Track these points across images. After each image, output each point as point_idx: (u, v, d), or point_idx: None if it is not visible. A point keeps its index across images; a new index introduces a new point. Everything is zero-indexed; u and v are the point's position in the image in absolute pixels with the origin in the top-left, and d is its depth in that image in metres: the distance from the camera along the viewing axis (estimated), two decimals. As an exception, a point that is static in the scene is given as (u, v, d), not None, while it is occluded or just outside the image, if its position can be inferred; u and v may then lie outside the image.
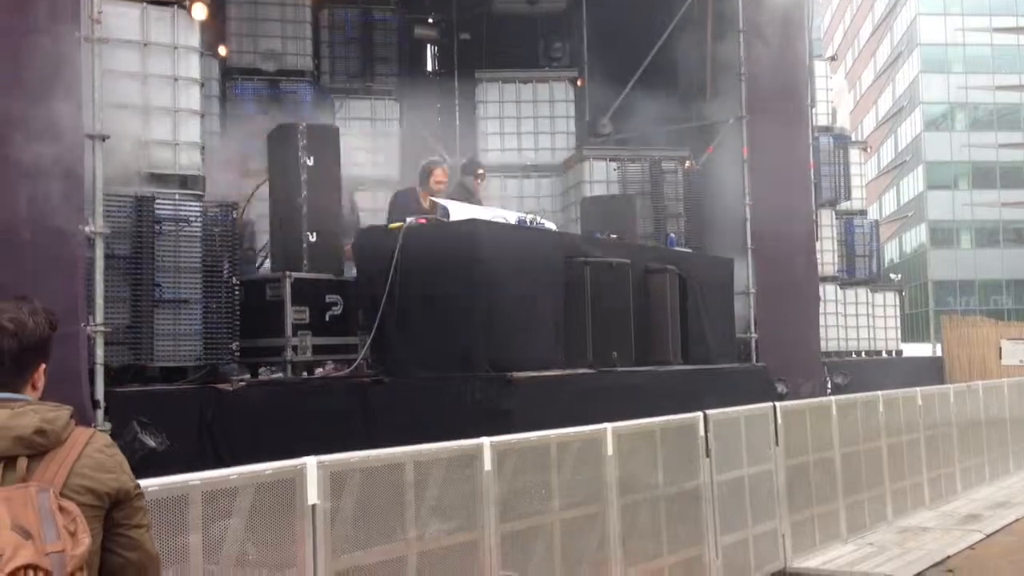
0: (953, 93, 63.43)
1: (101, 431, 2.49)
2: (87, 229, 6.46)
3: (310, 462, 4.80)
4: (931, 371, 19.59)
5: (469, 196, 10.08)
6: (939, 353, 22.34)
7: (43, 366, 2.51)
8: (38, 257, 6.19)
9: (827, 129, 18.44)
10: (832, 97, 19.39)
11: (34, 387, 2.48)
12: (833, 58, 26.48)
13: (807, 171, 14.08)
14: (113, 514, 2.44)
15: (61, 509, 2.25)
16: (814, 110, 16.50)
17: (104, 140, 6.62)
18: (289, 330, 8.14)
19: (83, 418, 6.07)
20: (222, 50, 13.98)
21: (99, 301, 6.49)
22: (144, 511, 2.51)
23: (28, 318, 2.45)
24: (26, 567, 2.15)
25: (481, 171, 10.68)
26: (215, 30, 12.87)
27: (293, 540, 4.73)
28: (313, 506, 4.77)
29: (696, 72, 14.95)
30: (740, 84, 13.29)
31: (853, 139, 22.22)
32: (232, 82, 14.17)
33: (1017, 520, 10.33)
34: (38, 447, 2.30)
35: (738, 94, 13.33)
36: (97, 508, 2.36)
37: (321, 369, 8.73)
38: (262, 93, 14.29)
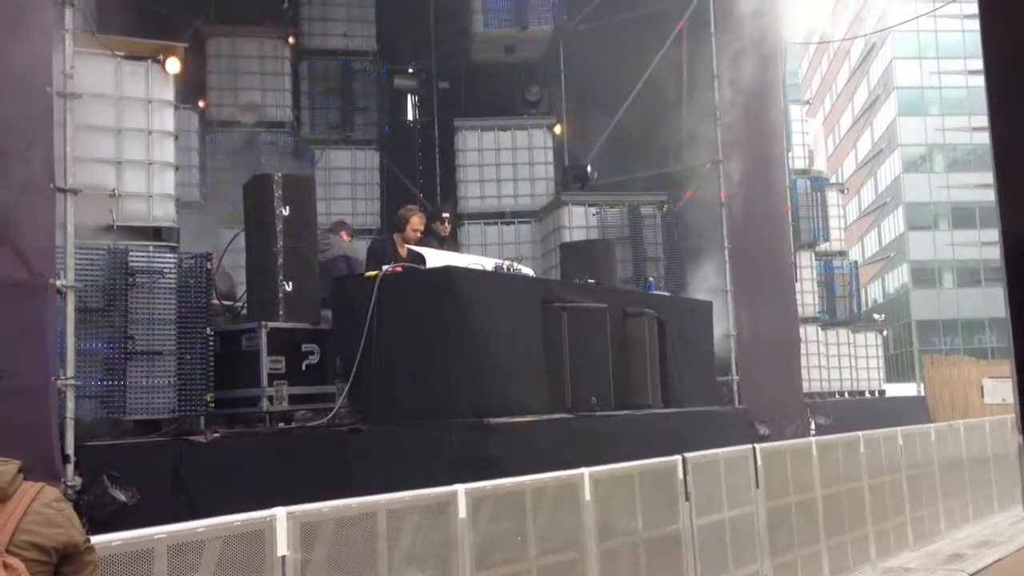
0: (931, 135, 64.23)
1: (49, 486, 2.46)
2: (58, 283, 6.44)
3: (279, 513, 4.76)
4: (915, 410, 19.59)
5: (440, 243, 10.11)
6: (923, 393, 22.37)
7: None
8: (7, 311, 6.15)
9: (804, 172, 18.61)
10: (808, 140, 19.59)
11: None
12: (808, 102, 26.83)
13: (784, 213, 14.19)
14: (62, 569, 2.41)
15: (5, 566, 2.23)
16: (790, 154, 16.69)
17: (76, 193, 6.63)
18: (265, 380, 8.09)
19: (52, 473, 6.00)
20: (201, 103, 14.06)
21: (70, 355, 6.45)
22: (95, 565, 2.49)
23: None
24: (-30, 625, 2.13)
25: (446, 216, 10.71)
26: (194, 83, 12.95)
27: (263, 593, 4.67)
28: (283, 558, 4.73)
29: (672, 117, 15.10)
30: (716, 128, 13.44)
31: (832, 181, 22.43)
32: (211, 134, 14.24)
33: (1001, 559, 10.30)
34: None
35: (714, 138, 13.48)
36: (45, 564, 2.34)
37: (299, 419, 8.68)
38: (241, 145, 14.36)
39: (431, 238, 10.08)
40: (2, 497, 2.32)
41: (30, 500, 2.36)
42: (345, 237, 11.13)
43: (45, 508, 2.38)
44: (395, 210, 10.71)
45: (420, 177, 17.81)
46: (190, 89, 12.08)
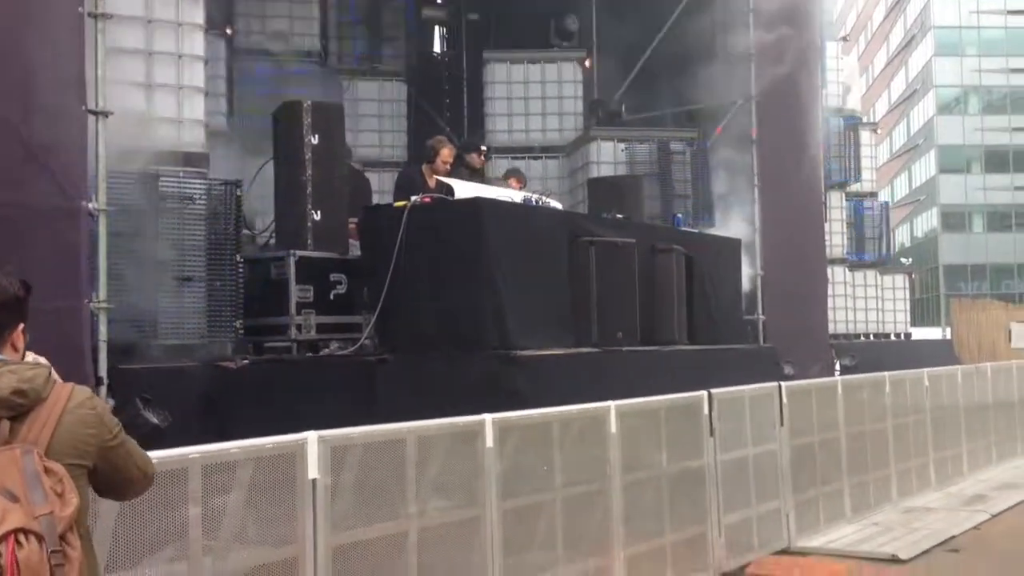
0: (966, 76, 62.92)
1: (79, 386, 2.47)
2: (90, 206, 6.45)
3: (311, 437, 4.80)
4: (942, 353, 19.50)
5: (472, 175, 10.04)
6: (948, 337, 22.26)
7: (21, 326, 2.49)
8: (40, 234, 6.19)
9: (838, 111, 18.31)
10: (843, 78, 19.24)
11: (14, 348, 2.47)
12: (845, 39, 26.28)
13: (817, 152, 13.99)
14: (98, 464, 2.45)
15: (47, 470, 2.25)
16: (825, 91, 16.40)
17: (107, 116, 6.61)
18: (293, 309, 8.13)
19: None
20: (229, 31, 13.93)
21: (102, 278, 6.50)
22: (124, 445, 2.52)
23: (2, 278, 2.44)
24: (16, 531, 2.15)
25: (483, 148, 10.60)
26: (223, 10, 12.82)
27: (293, 515, 4.73)
28: (313, 481, 4.77)
29: (706, 52, 14.84)
30: (750, 65, 13.20)
31: (864, 121, 22.08)
32: (239, 62, 14.12)
33: (1023, 501, 10.30)
34: (18, 408, 2.30)
35: (748, 74, 13.25)
36: (82, 467, 2.36)
37: (327, 348, 8.74)
38: (269, 73, 14.25)
39: (463, 169, 10.00)
40: (36, 401, 2.33)
41: (64, 402, 2.37)
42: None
43: (79, 409, 2.39)
44: (422, 143, 10.63)
45: (447, 110, 17.67)
46: (217, 16, 11.96)
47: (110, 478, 2.50)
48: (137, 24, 7.61)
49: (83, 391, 2.45)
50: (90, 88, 6.57)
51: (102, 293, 6.43)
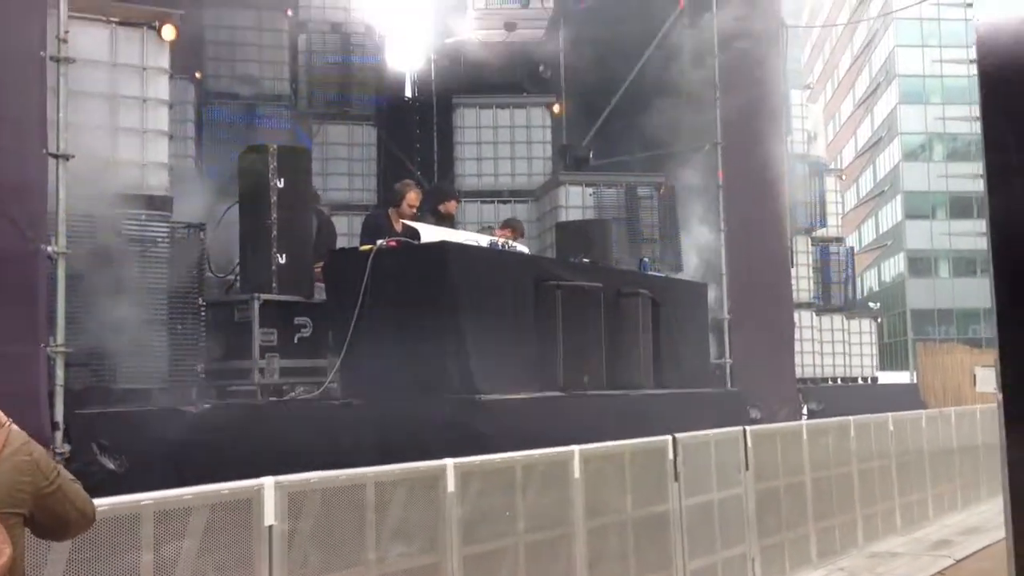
0: (931, 124, 64.13)
1: (15, 430, 2.43)
2: (49, 249, 6.40)
3: (267, 482, 4.76)
4: (908, 398, 19.64)
5: (440, 222, 10.07)
6: (916, 381, 22.42)
7: None
8: (-2, 276, 6.12)
9: (803, 157, 18.57)
10: (809, 125, 19.54)
11: None
12: (809, 87, 26.75)
13: (782, 198, 14.16)
14: (34, 511, 2.41)
15: (-17, 525, 2.21)
16: (790, 138, 16.64)
17: (68, 159, 6.57)
18: (257, 352, 8.07)
19: (41, 440, 5.98)
20: (198, 74, 13.96)
21: (60, 322, 6.41)
22: (60, 489, 2.48)
23: None
24: (-52, 585, 2.11)
25: (451, 200, 10.66)
26: (191, 54, 12.85)
27: (250, 562, 4.67)
28: (270, 527, 4.72)
29: (672, 98, 15.04)
30: (715, 110, 13.38)
31: (830, 167, 22.39)
32: (208, 106, 14.14)
33: (988, 546, 10.34)
34: None
35: (714, 120, 13.42)
36: (17, 515, 2.33)
37: (291, 393, 8.67)
38: (238, 117, 14.27)
39: (429, 215, 10.04)
40: None
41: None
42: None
43: (13, 456, 2.35)
44: (392, 186, 10.66)
45: (417, 154, 17.74)
46: (187, 60, 11.99)
47: (48, 523, 2.46)
48: (101, 68, 7.60)
49: (18, 436, 2.41)
50: (51, 131, 6.54)
51: (60, 337, 6.35)
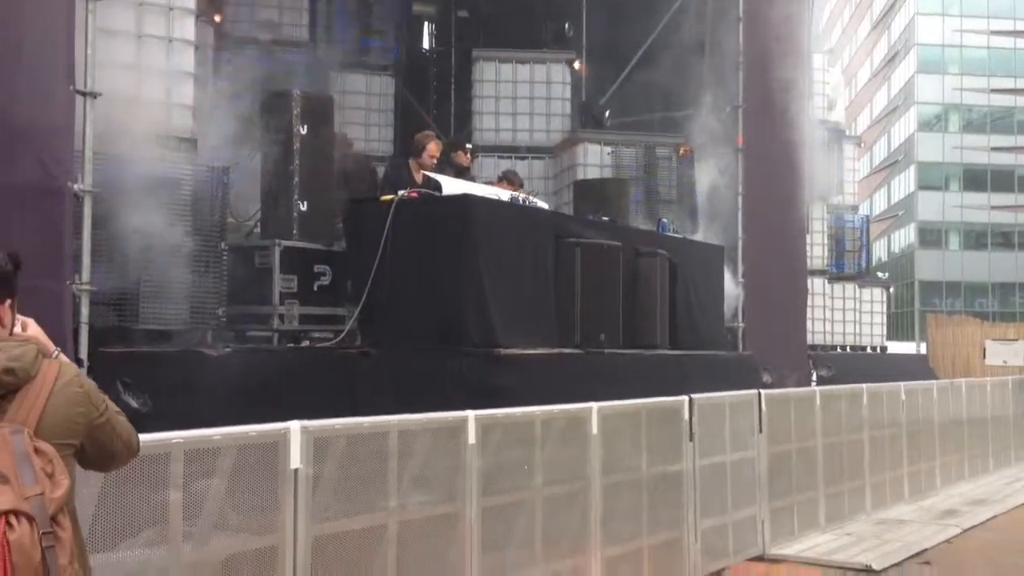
0: (948, 94, 63.55)
1: (66, 363, 2.43)
2: (76, 187, 6.39)
3: (294, 426, 4.77)
4: (918, 368, 19.67)
5: (458, 172, 10.02)
6: (923, 351, 22.44)
7: (9, 301, 2.45)
8: (24, 214, 6.12)
9: (822, 123, 18.41)
10: (828, 91, 19.36)
11: (2, 323, 2.42)
12: (830, 52, 26.44)
13: (801, 163, 14.06)
14: (86, 436, 2.42)
15: (37, 451, 2.21)
16: (810, 102, 16.49)
17: (95, 98, 6.54)
18: (277, 298, 8.08)
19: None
20: (217, 18, 13.82)
21: (86, 260, 6.43)
22: (110, 421, 2.49)
23: None
24: (7, 513, 2.11)
25: (469, 146, 10.58)
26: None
27: (275, 504, 4.70)
28: (296, 470, 4.74)
29: (695, 60, 14.89)
30: (738, 72, 13.25)
31: (847, 135, 22.22)
32: (227, 50, 14.01)
33: (994, 516, 10.40)
34: (7, 386, 2.26)
35: (736, 82, 13.29)
36: (70, 446, 2.33)
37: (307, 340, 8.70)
38: (257, 62, 14.15)
39: (448, 167, 9.98)
40: (25, 379, 2.29)
41: (52, 381, 2.33)
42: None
43: (67, 388, 2.35)
44: (409, 137, 10.59)
45: (435, 107, 17.64)
46: (207, 4, 11.87)
47: (96, 454, 2.47)
48: (128, 7, 7.54)
49: (70, 368, 2.41)
50: (79, 69, 6.50)
51: (85, 275, 6.37)
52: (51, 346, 2.55)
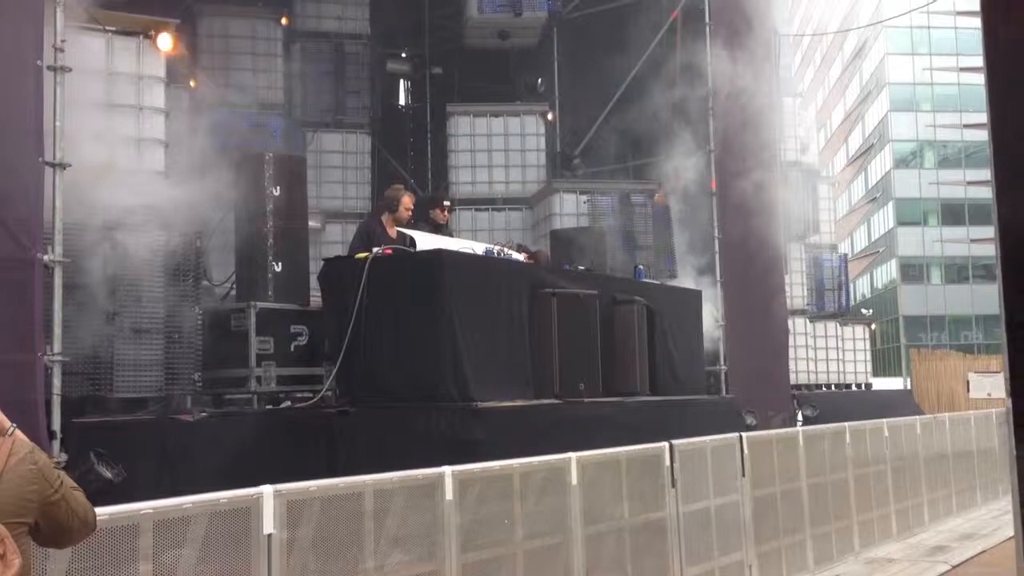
0: (922, 131, 64.41)
1: (20, 439, 2.43)
2: (45, 258, 6.39)
3: (266, 491, 4.74)
4: (903, 403, 19.68)
5: (436, 230, 10.07)
6: (909, 387, 22.48)
7: None
8: (-5, 285, 6.11)
9: (795, 164, 18.60)
10: (801, 133, 19.58)
11: None
12: (800, 94, 26.81)
13: (775, 205, 14.19)
14: (39, 514, 2.41)
15: (-9, 533, 2.20)
16: (783, 146, 16.68)
17: (65, 168, 6.58)
18: (253, 360, 8.07)
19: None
20: (192, 83, 13.95)
21: (57, 331, 6.41)
22: (64, 498, 2.48)
23: None
24: (-45, 594, 2.10)
25: (447, 203, 10.64)
26: (185, 63, 12.84)
27: (248, 571, 4.65)
28: (269, 536, 4.71)
29: (665, 105, 15.09)
30: (708, 118, 13.43)
31: (822, 175, 22.43)
32: (201, 114, 14.10)
33: (983, 552, 10.36)
34: None
35: (707, 127, 13.46)
36: (23, 525, 2.32)
37: (287, 401, 8.67)
38: (233, 125, 14.25)
39: (425, 224, 10.04)
40: None
41: (5, 459, 2.33)
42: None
43: (19, 466, 2.35)
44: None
45: (411, 162, 17.77)
46: (181, 70, 11.98)
47: (50, 531, 2.45)
48: (98, 77, 7.60)
49: (23, 445, 2.41)
50: (48, 140, 6.54)
51: (57, 346, 6.35)
52: (6, 422, 2.54)
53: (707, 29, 13.59)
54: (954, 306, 61.85)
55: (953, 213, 63.84)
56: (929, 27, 62.70)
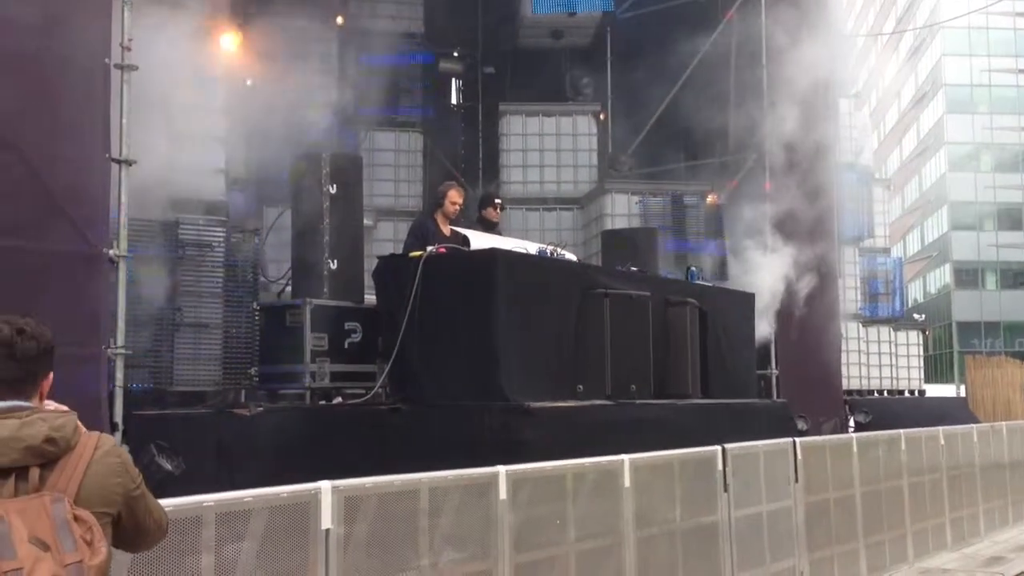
0: (978, 134, 63.21)
1: (105, 435, 2.50)
2: (111, 252, 6.52)
3: (325, 486, 4.80)
4: (957, 411, 19.35)
5: (488, 228, 10.10)
6: (963, 394, 22.08)
7: (51, 374, 2.53)
8: (61, 280, 6.25)
9: (850, 166, 18.36)
10: (856, 134, 19.33)
11: (42, 397, 2.49)
12: (856, 95, 26.42)
13: (830, 207, 14.04)
14: (123, 506, 2.47)
15: (76, 518, 2.26)
16: (838, 146, 16.49)
17: (130, 165, 6.70)
18: (308, 356, 8.15)
19: (101, 439, 6.08)
20: (249, 81, 14.11)
21: (120, 324, 6.54)
22: (144, 495, 2.55)
23: (38, 326, 2.48)
24: (47, 580, 2.16)
25: (498, 201, 10.67)
26: (244, 62, 13.01)
27: (306, 565, 4.71)
28: (327, 531, 4.76)
29: (720, 106, 14.98)
30: (763, 119, 13.31)
31: (876, 177, 22.13)
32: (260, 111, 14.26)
33: (1041, 563, 10.17)
34: (49, 456, 2.31)
35: (762, 129, 13.35)
36: (108, 515, 2.38)
37: (339, 398, 8.75)
38: (290, 122, 14.37)
39: (477, 223, 10.07)
40: (66, 449, 2.35)
41: (92, 451, 2.39)
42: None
43: (105, 458, 2.41)
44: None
45: (463, 161, 17.83)
46: (240, 68, 12.14)
47: (130, 526, 2.51)
48: (161, 75, 7.73)
49: (108, 440, 2.47)
50: (114, 137, 6.67)
51: (120, 339, 6.47)
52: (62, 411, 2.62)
53: (763, 29, 13.46)
54: (1009, 312, 60.64)
55: (1009, 217, 62.62)
56: (988, 28, 61.52)
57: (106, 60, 6.60)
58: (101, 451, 2.40)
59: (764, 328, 12.61)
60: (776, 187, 13.12)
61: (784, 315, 12.86)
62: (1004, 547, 10.95)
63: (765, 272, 12.91)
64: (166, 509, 4.10)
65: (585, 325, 8.85)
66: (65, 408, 2.55)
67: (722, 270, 13.77)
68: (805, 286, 13.06)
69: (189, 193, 7.75)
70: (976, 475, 11.58)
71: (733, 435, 8.35)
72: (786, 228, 12.99)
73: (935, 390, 24.17)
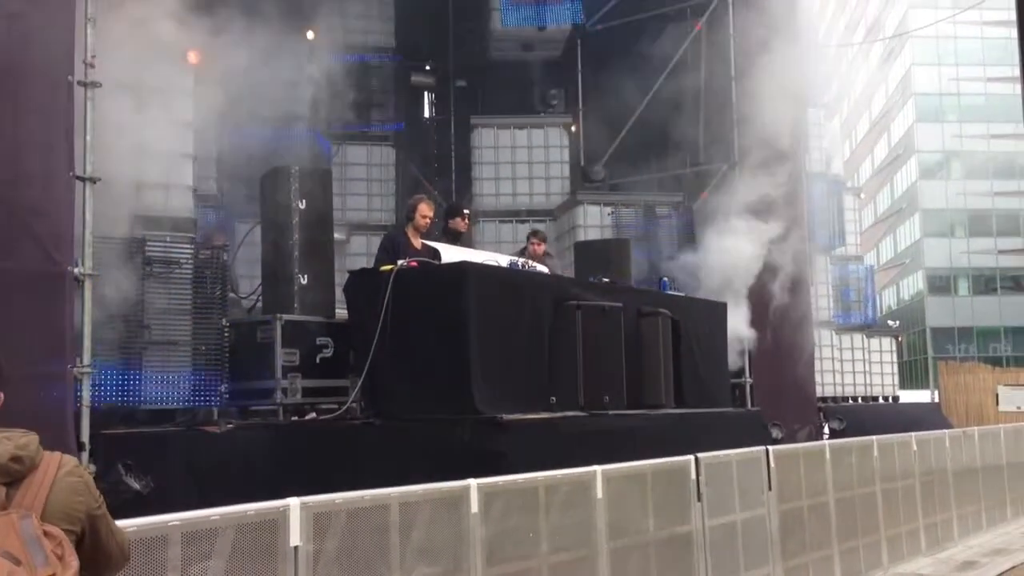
0: (948, 142, 63.93)
1: (65, 455, 2.49)
2: (76, 271, 6.46)
3: (293, 503, 4.76)
4: (930, 416, 19.48)
5: (455, 239, 10.09)
6: (937, 399, 22.25)
7: (1, 396, 2.52)
8: (26, 298, 6.18)
9: (821, 175, 18.50)
10: (826, 144, 19.48)
11: None
12: (825, 105, 26.64)
13: (801, 217, 14.13)
14: (87, 524, 2.46)
15: (46, 534, 2.26)
16: (808, 156, 16.61)
17: (95, 182, 6.65)
18: (279, 372, 8.10)
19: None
20: (219, 97, 14.05)
21: (86, 343, 6.47)
22: (107, 516, 2.53)
23: None
24: (21, 594, 2.15)
25: (466, 212, 10.68)
26: (213, 76, 12.95)
27: (275, 583, 4.66)
28: (295, 548, 4.72)
29: (689, 118, 15.07)
30: (733, 130, 13.40)
31: (848, 186, 22.32)
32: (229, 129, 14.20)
33: (1014, 567, 10.24)
34: (15, 474, 2.32)
35: (731, 140, 13.43)
36: (72, 533, 2.37)
37: (313, 413, 8.69)
38: (259, 138, 14.33)
39: (444, 235, 10.06)
40: (31, 467, 2.35)
41: (55, 470, 2.39)
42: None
43: (68, 477, 2.41)
44: (408, 206, 10.70)
45: (436, 174, 17.83)
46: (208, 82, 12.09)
47: (92, 548, 2.49)
48: (126, 91, 7.68)
49: (70, 460, 2.48)
50: (78, 154, 6.62)
51: (86, 358, 6.41)
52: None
53: (731, 40, 13.57)
54: (982, 318, 61.25)
55: (980, 224, 63.29)
56: (956, 37, 62.28)
57: (69, 77, 6.55)
58: (64, 470, 2.41)
59: (737, 337, 12.63)
60: (746, 192, 13.17)
61: (758, 323, 12.92)
62: (978, 551, 11.02)
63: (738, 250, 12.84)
64: (129, 529, 4.07)
65: (558, 337, 8.85)
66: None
67: (695, 279, 13.81)
68: (777, 293, 13.12)
69: (156, 210, 7.69)
70: (949, 480, 11.65)
71: (707, 444, 8.36)
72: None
73: (910, 396, 24.31)
